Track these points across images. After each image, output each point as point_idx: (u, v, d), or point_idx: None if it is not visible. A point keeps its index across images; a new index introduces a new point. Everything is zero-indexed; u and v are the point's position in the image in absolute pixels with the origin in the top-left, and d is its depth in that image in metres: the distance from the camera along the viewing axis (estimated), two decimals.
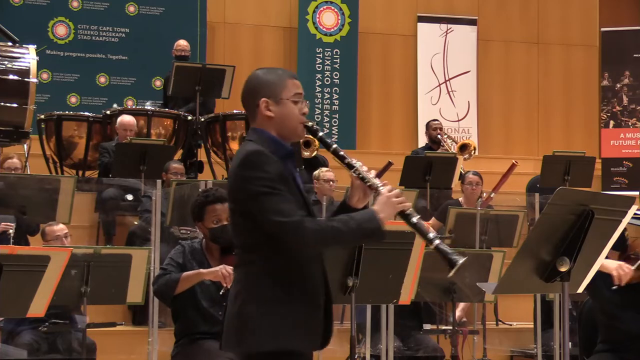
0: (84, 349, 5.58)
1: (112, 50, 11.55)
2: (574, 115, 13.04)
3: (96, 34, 11.53)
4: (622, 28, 12.92)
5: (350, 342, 4.39)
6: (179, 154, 9.32)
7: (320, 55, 12.19)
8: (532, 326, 7.46)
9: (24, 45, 7.45)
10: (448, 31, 12.61)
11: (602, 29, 12.96)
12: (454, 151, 10.17)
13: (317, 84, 12.10)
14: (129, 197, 8.39)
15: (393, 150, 11.54)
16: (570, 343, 3.90)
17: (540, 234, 3.51)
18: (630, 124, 12.75)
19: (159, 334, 6.48)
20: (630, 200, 3.68)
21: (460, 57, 12.59)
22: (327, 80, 12.17)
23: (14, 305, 4.58)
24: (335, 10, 12.29)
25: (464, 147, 10.20)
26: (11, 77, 7.18)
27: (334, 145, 3.36)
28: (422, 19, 12.62)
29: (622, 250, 4.81)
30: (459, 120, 12.54)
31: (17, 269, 4.38)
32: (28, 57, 7.31)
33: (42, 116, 9.50)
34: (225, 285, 4.69)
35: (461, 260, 3.19)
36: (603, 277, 4.45)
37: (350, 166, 3.32)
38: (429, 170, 9.17)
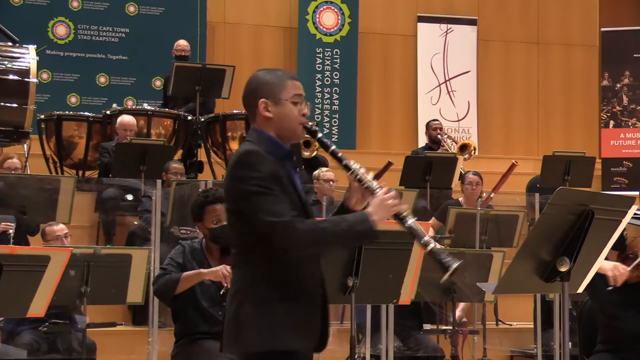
0: (84, 349, 5.58)
1: (112, 50, 11.55)
2: (574, 115, 13.04)
3: (96, 34, 11.53)
4: (622, 28, 12.92)
5: (350, 342, 4.39)
6: (179, 154, 9.32)
7: (320, 55, 12.19)
8: (532, 326, 7.46)
9: (24, 45, 7.46)
10: (448, 31, 12.62)
11: (602, 29, 12.96)
12: (454, 151, 10.17)
13: (317, 84, 12.10)
14: (129, 197, 8.39)
15: (393, 150, 11.54)
16: (570, 343, 3.90)
17: (540, 234, 3.51)
18: (630, 124, 12.75)
19: (159, 334, 6.48)
20: (630, 200, 3.69)
21: (460, 57, 12.59)
22: (327, 80, 12.17)
23: (14, 305, 4.58)
24: (335, 10, 12.29)
25: (464, 147, 10.21)
26: (11, 77, 7.18)
27: (333, 147, 3.35)
28: (422, 19, 12.62)
29: (621, 249, 4.82)
30: (459, 120, 12.54)
31: (17, 269, 4.38)
32: (28, 57, 7.32)
33: (42, 116, 9.50)
34: (225, 285, 4.69)
35: (455, 265, 3.16)
36: (602, 277, 4.45)
37: (347, 168, 3.31)
38: (429, 170, 9.17)
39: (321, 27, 12.24)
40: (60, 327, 6.05)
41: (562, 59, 13.04)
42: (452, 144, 10.53)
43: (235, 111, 9.53)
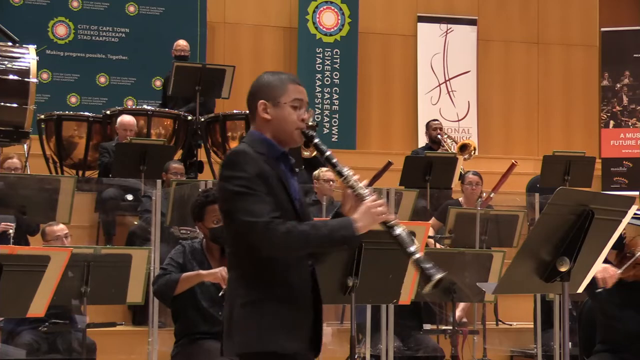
0: (84, 349, 5.59)
1: (112, 50, 11.55)
2: (574, 115, 13.04)
3: (96, 34, 11.53)
4: (622, 28, 12.92)
5: (350, 342, 4.38)
6: (179, 154, 9.32)
7: (320, 55, 12.19)
8: (532, 326, 7.46)
9: (24, 45, 7.46)
10: (448, 31, 12.61)
11: (602, 29, 12.96)
12: (454, 151, 10.17)
13: (317, 84, 12.09)
14: (129, 197, 8.39)
15: (393, 150, 11.54)
16: (570, 343, 3.90)
17: (540, 234, 3.51)
18: (630, 124, 12.75)
19: (159, 334, 6.48)
20: (630, 200, 3.69)
21: (460, 57, 12.59)
22: (327, 80, 12.17)
23: (14, 305, 4.58)
24: (335, 10, 12.29)
25: (464, 147, 10.20)
26: (11, 77, 7.19)
27: (328, 152, 3.32)
28: (422, 19, 12.62)
29: (619, 249, 4.82)
30: (459, 120, 12.54)
31: (17, 269, 4.38)
32: (28, 57, 7.32)
33: (42, 116, 9.51)
34: (224, 287, 4.69)
35: (438, 275, 3.13)
36: None
37: (340, 174, 3.30)
38: (429, 170, 9.16)
39: (321, 27, 12.24)
40: (60, 327, 6.04)
41: (562, 59, 13.03)
42: (452, 144, 10.53)
43: (235, 111, 9.53)
